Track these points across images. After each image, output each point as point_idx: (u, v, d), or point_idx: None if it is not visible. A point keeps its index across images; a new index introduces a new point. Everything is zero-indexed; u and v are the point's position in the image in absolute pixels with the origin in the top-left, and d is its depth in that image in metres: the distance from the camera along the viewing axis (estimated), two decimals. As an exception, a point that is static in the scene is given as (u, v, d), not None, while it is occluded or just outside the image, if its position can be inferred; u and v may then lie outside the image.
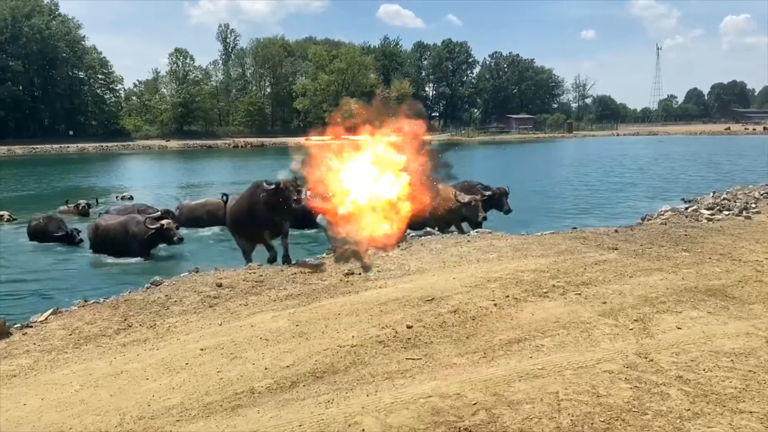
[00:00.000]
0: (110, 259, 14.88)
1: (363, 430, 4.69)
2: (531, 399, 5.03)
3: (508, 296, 7.80)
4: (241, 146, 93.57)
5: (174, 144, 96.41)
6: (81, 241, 16.76)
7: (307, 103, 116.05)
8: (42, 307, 8.31)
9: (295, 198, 10.17)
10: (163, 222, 14.44)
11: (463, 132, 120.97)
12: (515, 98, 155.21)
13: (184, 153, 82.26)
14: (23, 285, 12.57)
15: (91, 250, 15.64)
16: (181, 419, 5.09)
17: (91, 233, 15.69)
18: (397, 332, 6.82)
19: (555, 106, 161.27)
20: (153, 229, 14.27)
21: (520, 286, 8.17)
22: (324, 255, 11.15)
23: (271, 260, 11.44)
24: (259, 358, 6.28)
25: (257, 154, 74.66)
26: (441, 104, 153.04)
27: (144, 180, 41.92)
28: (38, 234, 17.26)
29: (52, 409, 5.37)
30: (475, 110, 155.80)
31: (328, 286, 8.89)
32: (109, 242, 15.09)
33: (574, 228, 13.25)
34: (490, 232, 12.72)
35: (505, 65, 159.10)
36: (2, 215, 20.93)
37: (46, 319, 7.77)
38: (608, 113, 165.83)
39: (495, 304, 7.54)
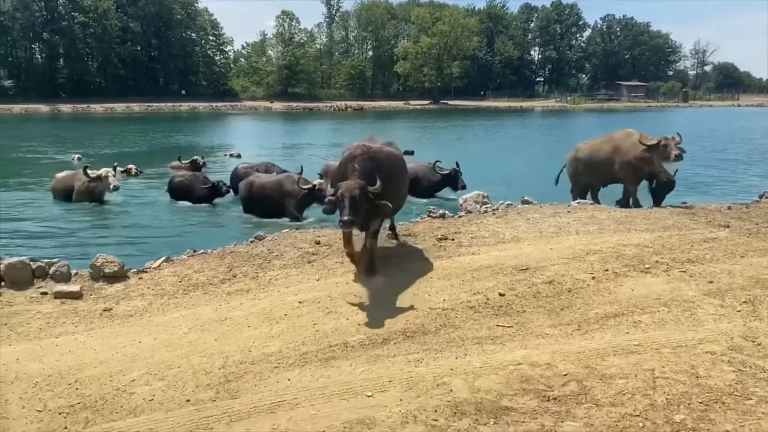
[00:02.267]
0: (233, 213, 15.37)
1: (451, 390, 4.78)
2: (625, 374, 4.92)
3: (607, 270, 7.58)
4: (342, 109, 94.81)
5: (278, 105, 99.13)
6: (228, 191, 16.54)
7: (408, 66, 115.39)
8: (156, 255, 8.91)
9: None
10: (316, 182, 14.07)
11: (568, 98, 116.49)
12: (627, 64, 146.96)
13: (287, 115, 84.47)
14: (141, 234, 13.49)
15: (217, 206, 15.89)
16: (279, 366, 5.38)
17: (244, 191, 15.03)
18: (488, 299, 6.82)
19: (670, 73, 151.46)
20: (306, 189, 13.82)
21: (621, 261, 7.90)
22: (418, 219, 11.22)
23: None
24: (352, 314, 6.50)
25: (356, 118, 75.53)
26: (546, 69, 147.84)
27: (250, 139, 43.51)
28: (182, 190, 16.87)
29: (163, 349, 5.82)
30: (583, 76, 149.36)
31: (421, 249, 8.97)
32: (263, 200, 14.52)
33: (683, 203, 12.55)
34: (591, 204, 12.30)
35: (617, 29, 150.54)
36: (130, 168, 22.04)
37: (159, 266, 8.35)
38: (729, 82, 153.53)
39: (593, 278, 7.35)
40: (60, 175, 17.40)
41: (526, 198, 12.51)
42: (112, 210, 16.09)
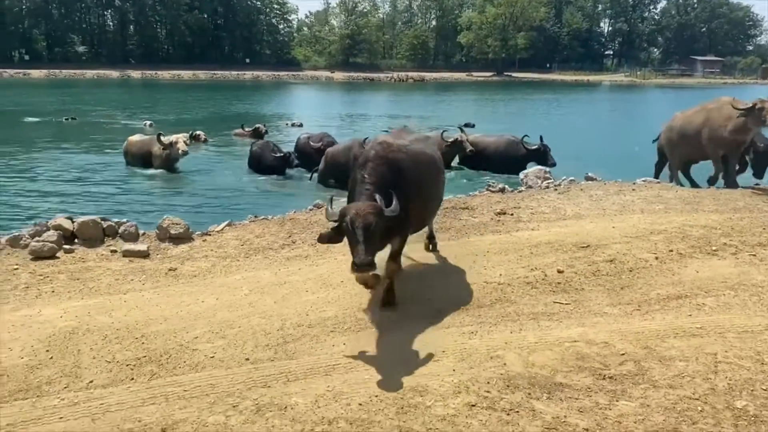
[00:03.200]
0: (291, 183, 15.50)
1: (505, 363, 4.77)
2: (685, 357, 4.79)
3: (671, 250, 7.34)
4: (402, 80, 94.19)
5: (339, 75, 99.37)
6: (298, 165, 16.39)
7: (472, 37, 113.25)
8: (219, 219, 9.16)
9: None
10: (456, 137, 14.18)
11: (638, 73, 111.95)
12: (703, 38, 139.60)
13: (347, 85, 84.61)
14: (206, 198, 13.87)
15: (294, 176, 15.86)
16: (335, 330, 5.49)
17: (324, 163, 14.88)
18: (546, 275, 6.74)
19: (750, 48, 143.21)
20: (450, 142, 14.00)
21: (687, 242, 7.64)
22: (477, 193, 11.13)
23: None
24: (405, 285, 6.53)
25: (417, 89, 74.94)
26: (616, 42, 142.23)
27: (310, 108, 43.88)
28: (255, 158, 16.78)
29: (225, 309, 6.02)
30: (655, 50, 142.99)
31: (478, 223, 8.91)
32: (339, 168, 13.98)
33: (756, 184, 11.97)
34: (658, 182, 11.90)
35: (694, 1, 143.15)
36: (199, 135, 22.20)
37: (222, 229, 8.60)
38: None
39: (656, 258, 7.14)
40: (133, 138, 17.61)
41: (589, 174, 12.22)
42: (180, 175, 16.52)
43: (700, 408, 4.15)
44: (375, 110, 42.42)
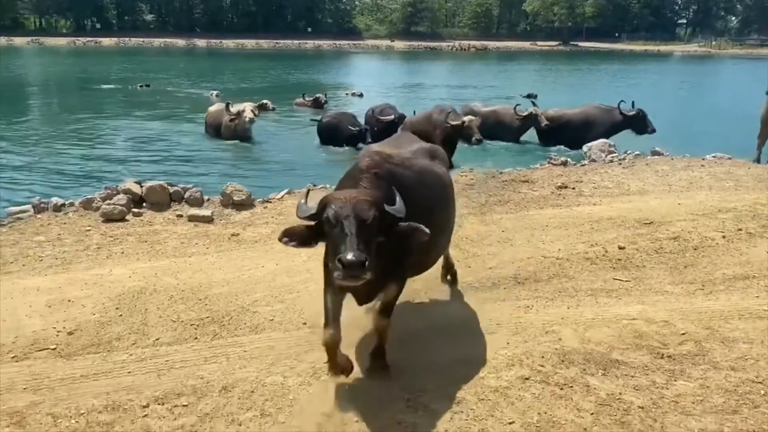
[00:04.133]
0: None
1: (560, 338, 4.74)
2: (749, 339, 4.65)
3: (740, 229, 7.07)
4: (464, 49, 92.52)
5: (399, 44, 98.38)
6: (370, 142, 14.34)
7: (538, 5, 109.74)
8: (279, 187, 9.32)
9: None
10: (465, 119, 12.62)
11: (713, 43, 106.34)
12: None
13: (408, 54, 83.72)
14: (271, 168, 14.07)
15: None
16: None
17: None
18: (606, 251, 6.61)
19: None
20: (453, 125, 12.47)
21: (758, 221, 7.33)
22: (538, 166, 10.93)
23: None
24: (462, 257, 6.53)
25: (479, 58, 73.53)
26: (690, 10, 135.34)
27: (371, 78, 43.75)
28: (329, 130, 16.00)
29: (284, 274, 6.18)
30: (733, 18, 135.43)
31: (538, 197, 8.78)
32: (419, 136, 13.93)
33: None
34: (729, 158, 11.40)
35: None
36: (266, 104, 21.95)
37: (282, 197, 8.78)
38: None
39: (723, 236, 6.89)
40: (212, 109, 17.57)
41: (656, 149, 11.82)
42: (245, 143, 16.64)
43: (763, 392, 4.04)
44: (435, 80, 41.90)
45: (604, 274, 6.10)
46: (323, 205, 3.57)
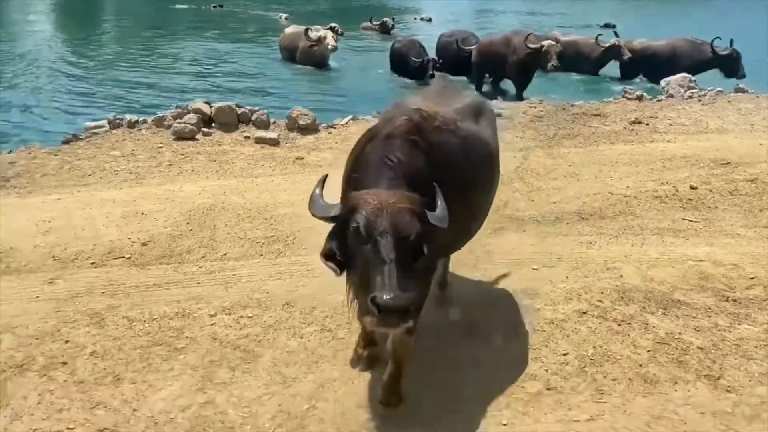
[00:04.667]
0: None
1: (621, 276, 4.69)
2: (824, 288, 4.47)
3: (825, 174, 6.67)
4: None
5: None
6: (432, 76, 14.22)
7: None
8: (344, 113, 9.32)
9: None
10: (544, 43, 12.01)
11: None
12: None
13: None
14: (336, 93, 13.99)
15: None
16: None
17: (479, 56, 13.60)
18: (677, 190, 6.38)
19: None
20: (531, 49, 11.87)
21: None
22: (611, 99, 10.50)
23: None
24: (526, 189, 6.45)
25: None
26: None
27: (439, 2, 42.33)
28: (398, 57, 15.26)
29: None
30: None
31: (609, 132, 8.48)
32: (497, 60, 12.92)
33: None
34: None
35: None
36: (335, 27, 20.77)
37: (346, 123, 8.79)
38: None
39: (806, 181, 6.53)
40: (288, 31, 17.17)
41: (740, 86, 11.12)
42: (319, 69, 16.25)
43: (832, 341, 3.91)
44: (505, 5, 40.19)
45: (673, 213, 5.91)
46: (351, 208, 2.74)
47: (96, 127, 7.99)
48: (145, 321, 4.15)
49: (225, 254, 5.09)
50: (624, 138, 8.14)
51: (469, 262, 4.88)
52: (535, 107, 9.72)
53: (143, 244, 5.18)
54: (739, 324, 4.09)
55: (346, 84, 14.78)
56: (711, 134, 8.30)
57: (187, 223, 5.59)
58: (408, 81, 14.69)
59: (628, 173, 6.87)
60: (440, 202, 2.89)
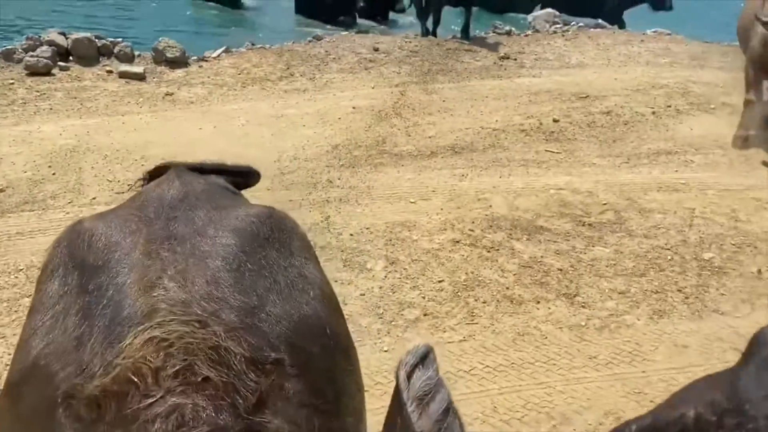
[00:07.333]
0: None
1: (490, 206, 4.99)
2: (664, 210, 5.01)
3: (669, 106, 7.34)
4: None
5: None
6: (402, 10, 12.68)
7: None
8: (216, 45, 8.90)
9: None
10: None
11: None
12: None
13: None
14: (204, 27, 13.24)
15: None
16: (331, 165, 5.63)
17: None
18: (541, 123, 6.79)
19: None
20: None
21: (686, 98, 7.61)
22: (482, 34, 10.77)
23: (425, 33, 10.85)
24: (403, 125, 6.59)
25: None
26: None
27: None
28: None
29: (222, 137, 6.10)
30: None
31: (480, 67, 8.75)
32: None
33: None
34: (669, 34, 11.53)
35: None
36: None
37: (219, 56, 8.41)
38: None
39: (653, 112, 7.16)
40: None
41: (600, 22, 11.78)
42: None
43: (669, 257, 4.44)
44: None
45: (537, 145, 6.31)
46: None
47: (-70, 60, 7.13)
48: (10, 273, 3.91)
49: (94, 198, 4.84)
50: (493, 73, 8.44)
51: (351, 199, 4.99)
52: (410, 42, 9.78)
53: (1, 191, 4.80)
54: (593, 246, 4.53)
55: (223, 13, 13.97)
56: (573, 69, 8.81)
57: (49, 167, 5.23)
58: (317, 24, 12.42)
59: (497, 108, 7.19)
60: None
